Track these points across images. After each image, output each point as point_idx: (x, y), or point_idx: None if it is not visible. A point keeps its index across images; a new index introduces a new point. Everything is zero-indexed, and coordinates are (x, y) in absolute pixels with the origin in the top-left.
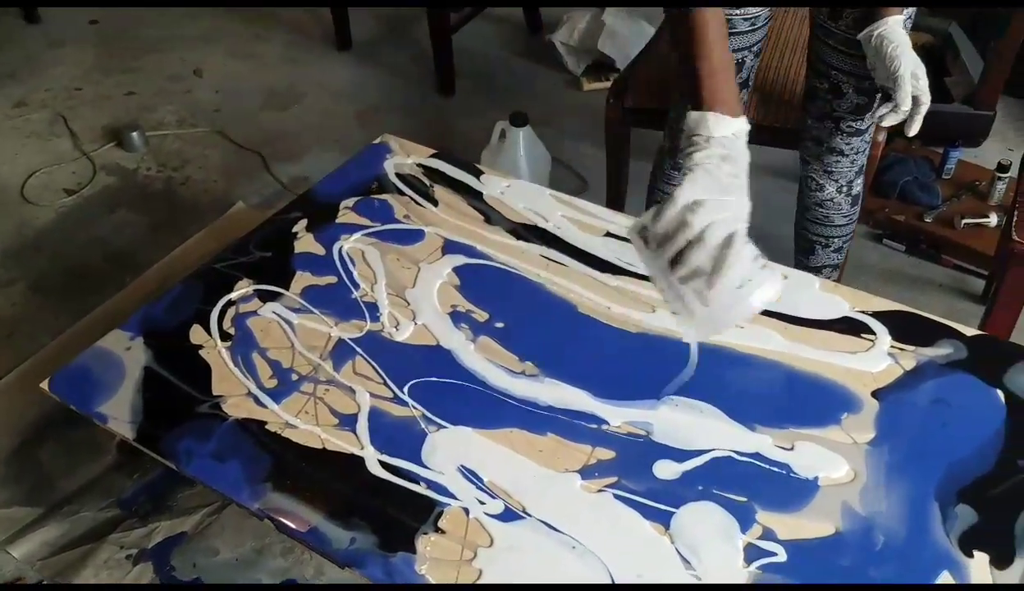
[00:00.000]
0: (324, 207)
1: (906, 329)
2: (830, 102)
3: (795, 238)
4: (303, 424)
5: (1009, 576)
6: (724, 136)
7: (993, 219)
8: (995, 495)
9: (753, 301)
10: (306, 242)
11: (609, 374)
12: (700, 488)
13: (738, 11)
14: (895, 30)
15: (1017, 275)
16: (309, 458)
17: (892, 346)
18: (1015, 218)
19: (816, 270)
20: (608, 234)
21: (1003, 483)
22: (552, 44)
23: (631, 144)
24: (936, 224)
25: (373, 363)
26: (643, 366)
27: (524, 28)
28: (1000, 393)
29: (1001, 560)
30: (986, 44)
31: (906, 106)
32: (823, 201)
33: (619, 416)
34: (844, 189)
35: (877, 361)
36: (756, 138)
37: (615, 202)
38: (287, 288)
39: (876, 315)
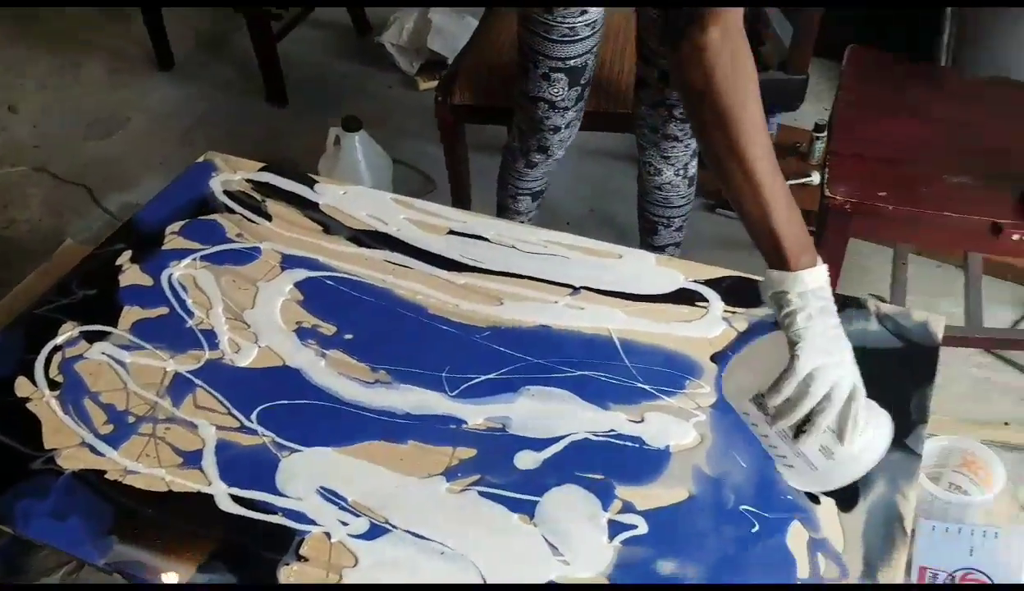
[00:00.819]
0: (149, 235)
1: (737, 293)
2: (661, 90)
3: (639, 219)
4: (145, 468)
5: (855, 519)
6: (818, 287)
7: (815, 177)
8: None
9: (880, 449)
10: (132, 274)
11: (464, 372)
12: (561, 474)
13: (581, 19)
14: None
15: (835, 228)
16: (154, 503)
17: (725, 310)
18: (826, 175)
19: (660, 249)
20: (451, 232)
21: None
22: (382, 45)
23: (469, 139)
24: None
25: (215, 393)
26: (496, 359)
27: (352, 31)
28: None
29: (846, 503)
30: (794, 11)
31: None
32: (662, 184)
33: (477, 414)
34: (681, 172)
35: (712, 326)
36: (591, 124)
37: (460, 199)
38: (115, 325)
39: (708, 283)
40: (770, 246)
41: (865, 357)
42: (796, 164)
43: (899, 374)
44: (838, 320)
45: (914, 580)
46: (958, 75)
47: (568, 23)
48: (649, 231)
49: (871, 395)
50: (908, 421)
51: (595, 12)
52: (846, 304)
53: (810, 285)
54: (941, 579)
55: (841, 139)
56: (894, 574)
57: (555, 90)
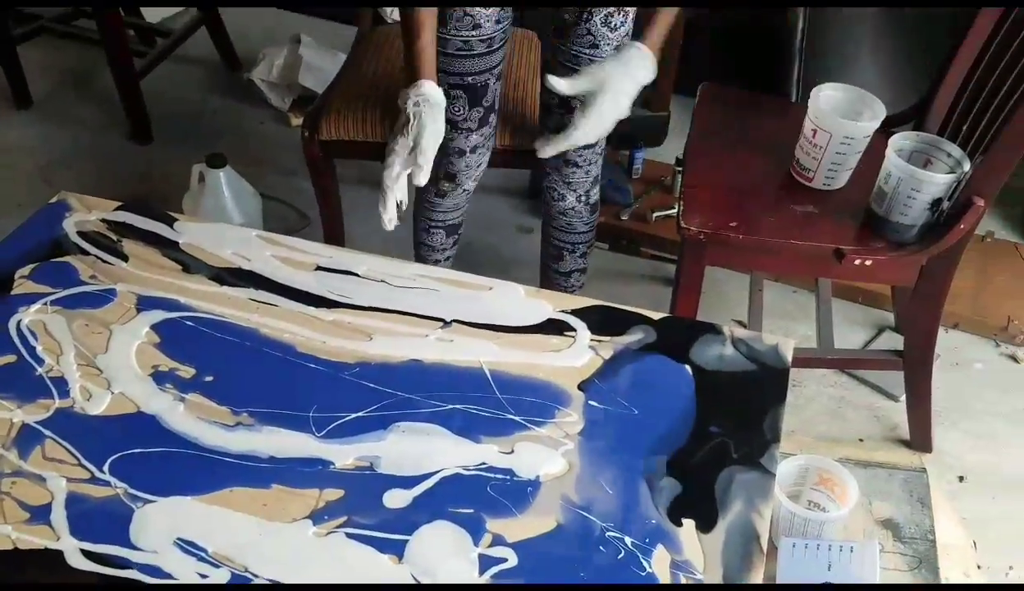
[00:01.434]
0: None
1: (603, 322)
2: (562, 117)
3: (543, 247)
4: None
5: (714, 539)
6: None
7: (678, 209)
8: (694, 463)
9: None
10: None
11: (331, 411)
12: (432, 510)
13: (474, 33)
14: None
15: (691, 257)
16: None
17: (592, 339)
18: (681, 207)
19: (566, 275)
20: (319, 267)
21: (700, 451)
22: (252, 82)
23: (345, 174)
24: (632, 221)
25: (65, 444)
26: (366, 396)
27: (222, 67)
28: (688, 368)
29: (706, 524)
30: None
31: (581, 141)
32: (565, 210)
33: (345, 454)
34: (583, 198)
35: (579, 355)
36: (503, 161)
37: (334, 235)
38: None
39: (575, 312)
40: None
41: (720, 380)
42: (660, 198)
43: (752, 396)
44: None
45: None
46: (805, 109)
47: (462, 36)
48: (555, 257)
49: (728, 416)
50: (762, 441)
51: (490, 28)
52: (703, 330)
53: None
54: None
55: (694, 172)
56: None
57: (455, 109)
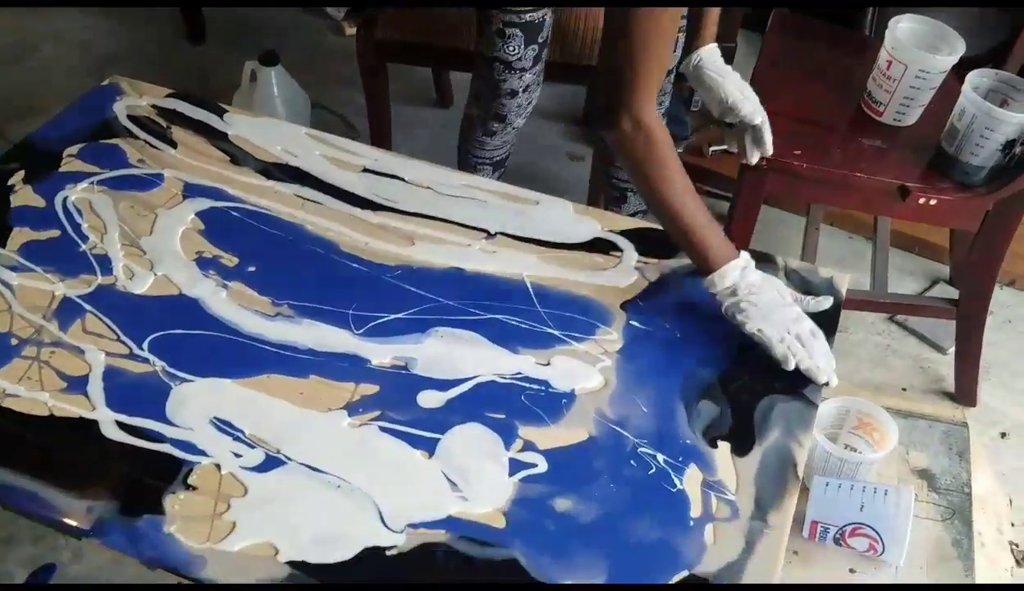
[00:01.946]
0: (45, 156)
1: (651, 244)
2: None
3: (605, 190)
4: (26, 392)
5: (749, 462)
6: (741, 274)
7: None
8: (735, 389)
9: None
10: (24, 195)
11: (371, 311)
12: (465, 413)
13: None
14: (710, 59)
15: (750, 185)
16: (33, 427)
17: (638, 261)
18: None
19: (631, 217)
20: (365, 170)
21: (741, 377)
22: None
23: (393, 92)
24: (688, 154)
25: (105, 319)
26: (406, 299)
27: None
28: None
29: (742, 448)
30: None
31: (758, 119)
32: None
33: (383, 353)
34: None
35: (625, 275)
36: (551, 75)
37: (380, 144)
38: (3, 246)
39: (624, 233)
40: (696, 256)
41: None
42: (717, 132)
43: None
44: (771, 294)
45: (806, 534)
46: (879, 43)
47: None
48: (617, 200)
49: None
50: (805, 378)
51: None
52: (754, 258)
53: (732, 275)
54: (831, 533)
55: (761, 98)
56: (784, 517)
57: (510, 48)
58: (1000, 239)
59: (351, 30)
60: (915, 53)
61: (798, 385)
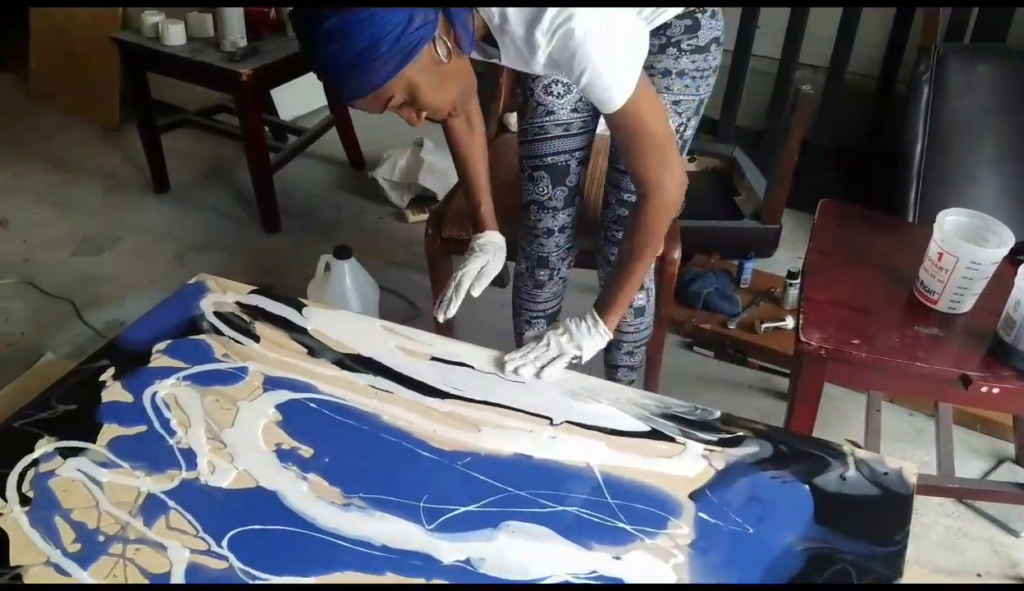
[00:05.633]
0: (134, 353)
1: (714, 432)
2: (610, 226)
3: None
4: None
5: None
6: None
7: (789, 322)
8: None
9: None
10: (114, 391)
11: (442, 502)
12: None
13: (548, 118)
14: None
15: (810, 372)
16: None
17: (705, 449)
18: (801, 321)
19: (614, 368)
20: (433, 358)
21: (818, 577)
22: (375, 180)
23: (454, 270)
24: (739, 330)
25: (187, 515)
26: (475, 488)
27: (347, 165)
28: (806, 487)
29: None
30: (767, 164)
31: None
32: None
33: (455, 552)
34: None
35: (691, 463)
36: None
37: (444, 327)
38: (93, 442)
39: (683, 421)
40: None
41: (841, 503)
42: (770, 309)
43: (874, 522)
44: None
45: None
46: (924, 230)
47: (538, 122)
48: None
49: (849, 543)
50: (885, 572)
51: (564, 115)
52: (823, 448)
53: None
54: None
55: (814, 286)
56: None
57: (540, 189)
58: None
59: (414, 218)
60: (965, 247)
61: (877, 587)
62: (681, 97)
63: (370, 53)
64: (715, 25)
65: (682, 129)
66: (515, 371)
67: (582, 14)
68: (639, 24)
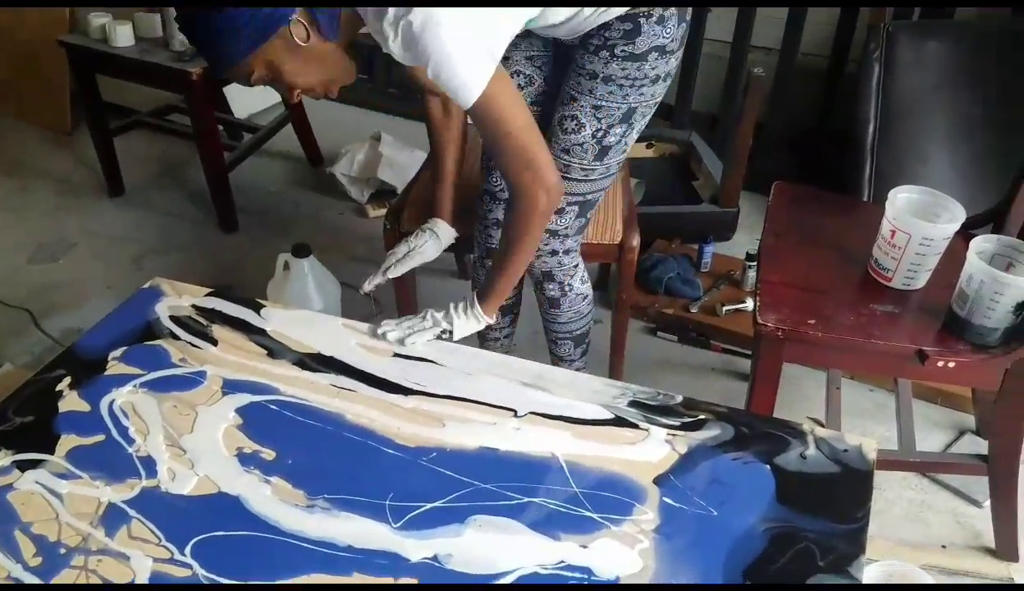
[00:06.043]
0: (90, 361)
1: (676, 416)
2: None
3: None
4: None
5: None
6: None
7: (749, 304)
8: (777, 569)
9: None
10: (71, 401)
11: (408, 500)
12: None
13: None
14: None
15: (768, 353)
16: None
17: (668, 434)
18: (758, 303)
19: (558, 359)
20: (396, 355)
21: (782, 557)
22: (333, 176)
23: None
24: (702, 313)
25: (149, 524)
26: (442, 484)
27: (304, 162)
28: (768, 467)
29: None
30: (724, 148)
31: None
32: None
33: (422, 549)
34: (538, 287)
35: (655, 449)
36: None
37: None
38: (52, 453)
39: (647, 407)
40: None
41: (802, 482)
42: (731, 291)
43: (836, 499)
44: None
45: None
46: (877, 209)
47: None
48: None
49: (811, 520)
50: (848, 548)
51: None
52: (782, 428)
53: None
54: None
55: (769, 268)
56: None
57: (493, 180)
58: (1023, 397)
59: (374, 213)
60: (916, 223)
61: (841, 563)
62: (603, 102)
63: (228, 32)
64: (659, 33)
65: (600, 135)
66: (383, 335)
67: (423, 9)
68: (500, 21)
